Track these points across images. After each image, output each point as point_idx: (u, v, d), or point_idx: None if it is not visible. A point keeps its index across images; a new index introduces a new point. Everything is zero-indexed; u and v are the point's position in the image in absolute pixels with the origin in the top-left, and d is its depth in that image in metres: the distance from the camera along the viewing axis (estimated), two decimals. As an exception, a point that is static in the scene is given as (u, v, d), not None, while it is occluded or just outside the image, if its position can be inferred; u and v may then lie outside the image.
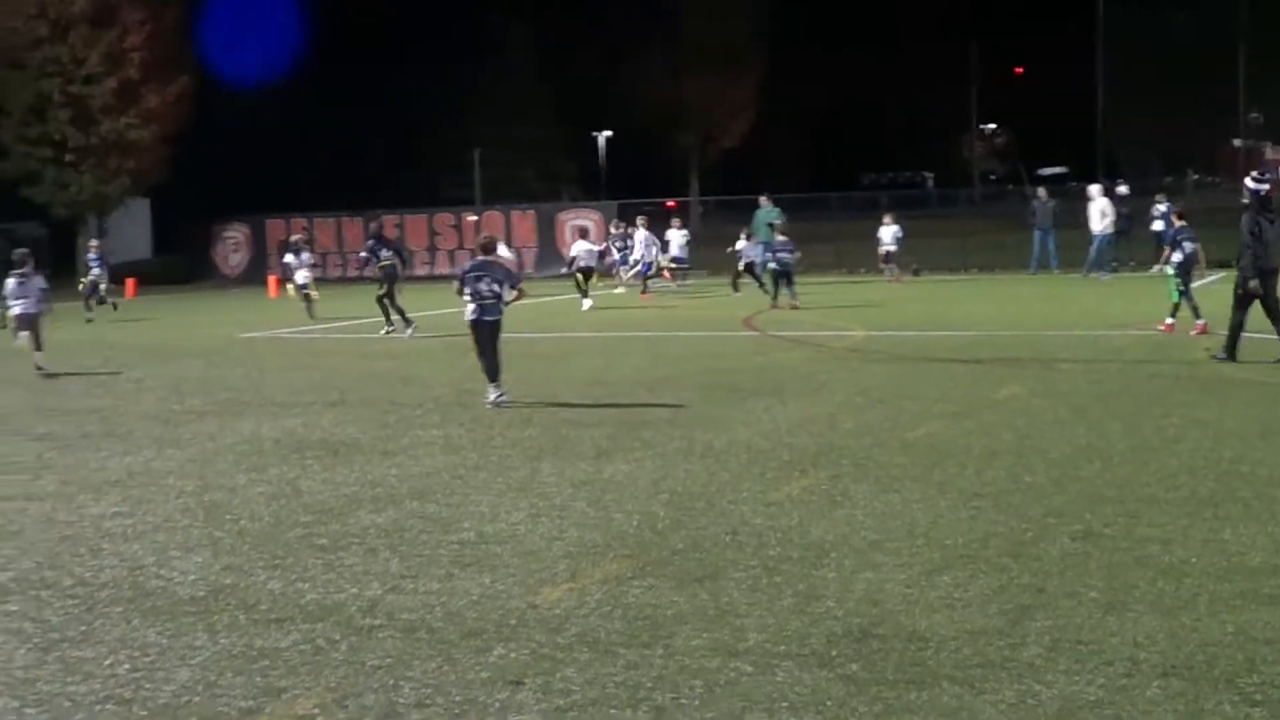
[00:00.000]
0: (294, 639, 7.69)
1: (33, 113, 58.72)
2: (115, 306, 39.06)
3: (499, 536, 9.81)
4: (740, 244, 38.96)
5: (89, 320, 35.92)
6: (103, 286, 39.10)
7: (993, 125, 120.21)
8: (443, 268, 54.22)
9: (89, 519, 10.96)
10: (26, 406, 18.47)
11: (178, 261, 64.05)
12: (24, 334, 23.49)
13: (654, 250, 42.43)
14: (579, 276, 37.53)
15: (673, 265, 44.13)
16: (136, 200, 68.21)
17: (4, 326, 27.33)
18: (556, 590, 8.43)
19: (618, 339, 26.39)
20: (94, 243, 42.03)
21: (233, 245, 61.12)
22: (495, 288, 17.08)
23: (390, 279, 28.70)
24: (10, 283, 23.94)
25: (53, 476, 12.93)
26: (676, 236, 44.34)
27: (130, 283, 52.24)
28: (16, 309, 23.66)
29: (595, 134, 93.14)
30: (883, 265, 44.28)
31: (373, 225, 31.88)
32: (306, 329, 31.22)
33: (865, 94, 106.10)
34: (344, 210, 59.44)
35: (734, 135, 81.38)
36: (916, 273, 45.98)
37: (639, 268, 42.01)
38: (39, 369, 22.63)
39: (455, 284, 17.63)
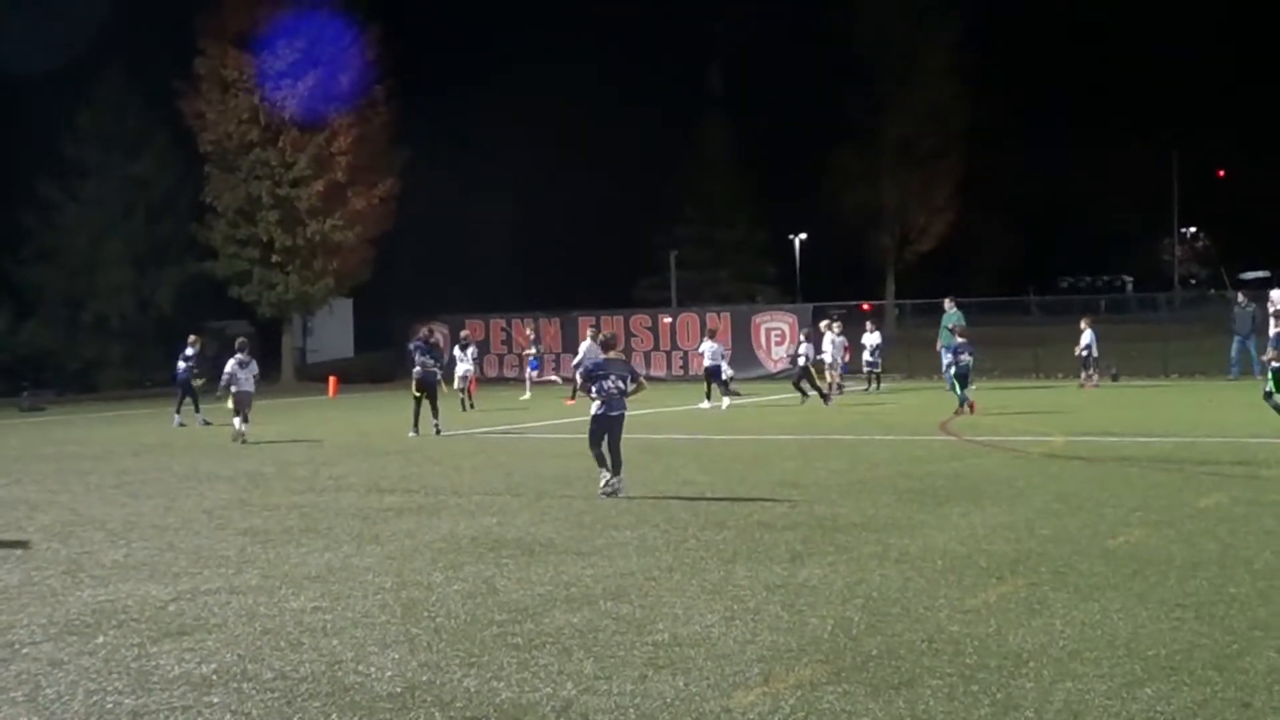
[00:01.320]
0: (489, 737, 7.74)
1: (242, 215, 60.40)
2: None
3: (692, 639, 9.79)
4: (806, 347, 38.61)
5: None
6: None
7: (1194, 229, 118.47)
8: (638, 369, 54.47)
9: (289, 613, 11.13)
10: (231, 501, 18.86)
11: (379, 360, 65.23)
12: (238, 418, 28.94)
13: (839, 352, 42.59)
14: (707, 378, 38.25)
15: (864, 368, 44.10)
16: (339, 300, 69.73)
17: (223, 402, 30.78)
18: (750, 694, 8.39)
19: (812, 442, 26.27)
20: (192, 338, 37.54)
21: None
22: (620, 384, 18.10)
23: (430, 385, 30.03)
24: (232, 364, 29.38)
25: (255, 570, 13.16)
26: (870, 339, 44.24)
27: (332, 380, 53.28)
28: (234, 388, 29.07)
29: (791, 236, 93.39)
30: (1081, 370, 43.66)
31: (422, 330, 32.80)
32: (504, 428, 31.56)
33: (1064, 197, 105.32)
34: (540, 311, 60.00)
35: (931, 237, 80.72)
36: (1115, 377, 45.35)
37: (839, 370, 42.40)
38: (242, 439, 28.56)
39: (579, 381, 18.73)
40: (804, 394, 37.41)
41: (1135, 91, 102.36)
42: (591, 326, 46.08)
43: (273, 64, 58.94)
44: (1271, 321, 24.98)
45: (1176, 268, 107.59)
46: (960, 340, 32.62)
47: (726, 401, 36.92)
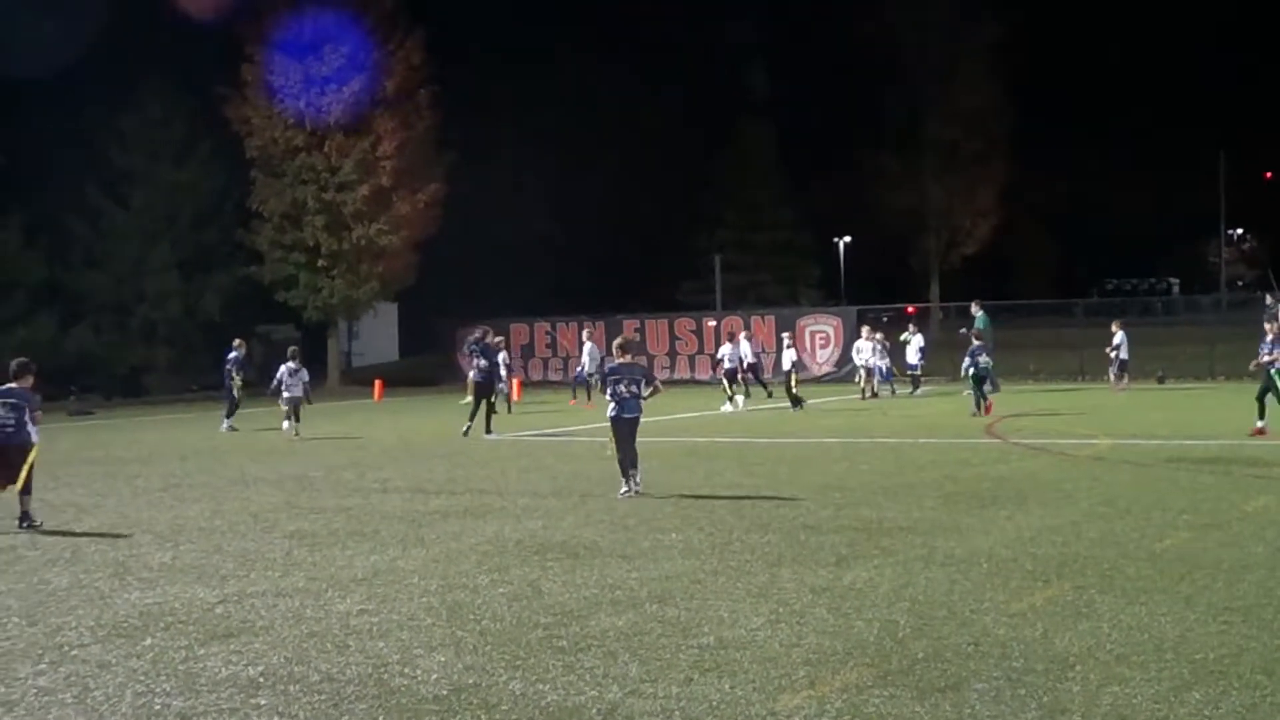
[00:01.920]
0: (535, 740, 7.74)
1: (288, 219, 60.57)
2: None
3: (738, 642, 9.78)
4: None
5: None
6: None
7: (1240, 230, 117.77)
8: (683, 372, 54.52)
9: (336, 615, 11.16)
10: (278, 504, 18.92)
11: (424, 363, 65.37)
12: (288, 424, 30.56)
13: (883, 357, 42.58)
14: (725, 379, 38.17)
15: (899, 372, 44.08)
16: (384, 303, 69.84)
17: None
18: (796, 697, 8.37)
19: (858, 444, 26.21)
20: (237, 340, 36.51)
21: (479, 348, 61.88)
22: (634, 388, 18.49)
23: (484, 387, 30.44)
24: (283, 370, 30.59)
25: (301, 573, 13.19)
26: (913, 342, 44.18)
27: (377, 384, 53.38)
28: (287, 394, 30.36)
29: (835, 239, 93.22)
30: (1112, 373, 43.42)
31: (476, 332, 32.94)
32: (550, 431, 31.62)
33: (1110, 199, 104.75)
34: (585, 315, 59.91)
35: (976, 240, 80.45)
36: (1160, 380, 45.16)
37: (881, 375, 42.45)
38: (293, 438, 30.06)
39: (597, 384, 19.20)
40: (795, 402, 37.32)
41: (1181, 92, 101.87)
42: (589, 327, 46.02)
43: (318, 69, 59.14)
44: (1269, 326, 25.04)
45: (1223, 270, 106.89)
46: (977, 343, 32.93)
47: (727, 407, 36.86)
